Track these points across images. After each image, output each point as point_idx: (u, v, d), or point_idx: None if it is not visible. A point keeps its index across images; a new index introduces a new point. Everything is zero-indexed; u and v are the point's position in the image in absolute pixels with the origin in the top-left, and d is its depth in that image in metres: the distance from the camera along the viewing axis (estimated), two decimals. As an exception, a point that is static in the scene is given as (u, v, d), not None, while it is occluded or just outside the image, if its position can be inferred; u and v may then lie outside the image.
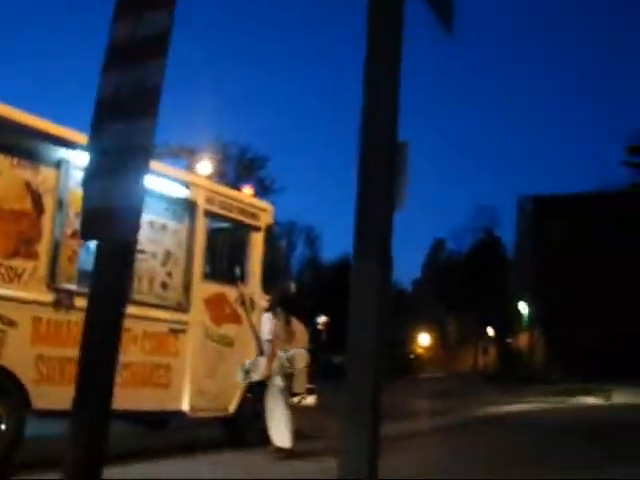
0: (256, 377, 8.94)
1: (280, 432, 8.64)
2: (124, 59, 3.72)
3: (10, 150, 7.14)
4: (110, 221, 3.48)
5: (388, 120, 4.43)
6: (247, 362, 9.06)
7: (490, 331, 55.74)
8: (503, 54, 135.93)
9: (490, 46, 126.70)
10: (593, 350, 40.51)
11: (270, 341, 8.83)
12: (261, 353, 9.13)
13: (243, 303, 9.66)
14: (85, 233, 3.75)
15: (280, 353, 8.81)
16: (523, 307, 49.62)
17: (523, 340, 51.03)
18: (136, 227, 3.60)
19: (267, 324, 8.90)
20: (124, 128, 3.54)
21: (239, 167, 40.90)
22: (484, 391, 30.82)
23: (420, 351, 63.54)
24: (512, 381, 37.22)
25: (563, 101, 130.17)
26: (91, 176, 3.65)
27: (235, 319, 9.56)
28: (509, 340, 53.84)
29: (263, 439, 8.97)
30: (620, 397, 24.77)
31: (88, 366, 3.52)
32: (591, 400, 24.10)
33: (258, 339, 9.37)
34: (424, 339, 65.93)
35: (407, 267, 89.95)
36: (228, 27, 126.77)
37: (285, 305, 9.27)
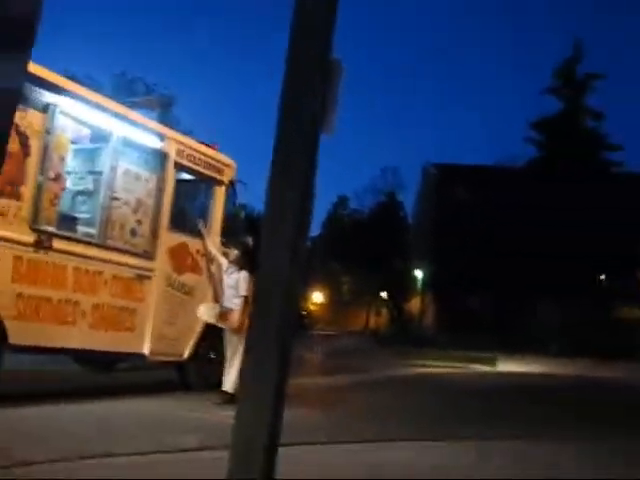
0: (223, 325, 9.40)
1: (231, 379, 9.15)
2: None
3: None
4: None
5: (321, 35, 3.86)
6: (218, 306, 9.52)
7: (384, 293, 57.35)
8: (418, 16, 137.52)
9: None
10: (481, 319, 42.53)
11: (246, 297, 9.19)
12: (216, 302, 9.63)
13: (203, 254, 10.04)
14: None
15: None
16: (418, 272, 51.30)
17: (415, 305, 52.79)
18: (12, 115, 3.09)
19: (245, 280, 9.24)
20: None
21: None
22: (378, 352, 31.98)
23: (313, 308, 64.69)
24: (403, 344, 38.53)
25: (477, 75, 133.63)
26: None
27: (195, 269, 9.92)
28: (402, 303, 55.56)
29: (208, 385, 9.57)
30: (503, 365, 26.54)
31: None
32: (481, 367, 25.61)
33: (216, 290, 9.80)
34: (318, 296, 67.16)
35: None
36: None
37: (248, 260, 9.68)
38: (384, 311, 57.62)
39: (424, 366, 23.62)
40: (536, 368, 25.60)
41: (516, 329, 39.88)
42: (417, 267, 51.79)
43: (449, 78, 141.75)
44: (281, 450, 3.57)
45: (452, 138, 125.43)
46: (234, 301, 9.29)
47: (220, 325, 9.43)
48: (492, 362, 26.94)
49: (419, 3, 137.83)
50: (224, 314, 9.34)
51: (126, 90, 34.27)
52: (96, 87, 30.60)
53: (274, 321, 3.62)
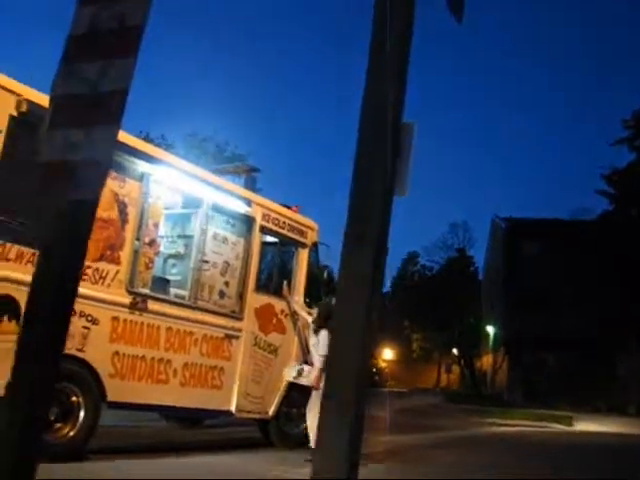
0: (305, 382, 9.67)
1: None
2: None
3: None
4: (73, 177, 3.01)
5: (393, 99, 3.98)
6: (301, 365, 9.90)
7: (455, 350, 56.69)
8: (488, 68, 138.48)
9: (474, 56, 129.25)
10: (556, 377, 41.64)
11: (326, 357, 9.41)
12: (305, 362, 9.86)
13: (287, 315, 10.34)
14: (42, 190, 3.16)
15: None
16: (490, 328, 50.62)
17: (487, 361, 51.98)
18: (101, 185, 3.14)
19: (325, 339, 9.46)
20: (98, 69, 3.10)
21: (216, 165, 40.65)
22: (450, 410, 31.56)
23: (383, 365, 64.24)
24: (476, 401, 38.00)
25: (544, 126, 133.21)
26: (55, 125, 3.13)
27: (280, 329, 10.24)
28: (474, 360, 54.74)
29: (290, 442, 9.93)
30: (579, 424, 25.88)
31: (31, 340, 2.91)
32: (558, 426, 25.08)
33: (304, 349, 10.08)
34: (388, 353, 66.78)
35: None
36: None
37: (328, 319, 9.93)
38: (455, 368, 56.85)
39: (497, 425, 23.26)
40: (613, 428, 24.90)
41: (592, 387, 38.85)
42: (489, 323, 51.15)
43: (517, 131, 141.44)
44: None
45: (521, 192, 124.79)
46: (314, 359, 9.55)
47: (301, 383, 9.71)
48: (568, 421, 26.32)
49: (486, 60, 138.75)
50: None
51: (197, 149, 35.17)
52: (168, 146, 31.89)
53: (349, 376, 3.68)
